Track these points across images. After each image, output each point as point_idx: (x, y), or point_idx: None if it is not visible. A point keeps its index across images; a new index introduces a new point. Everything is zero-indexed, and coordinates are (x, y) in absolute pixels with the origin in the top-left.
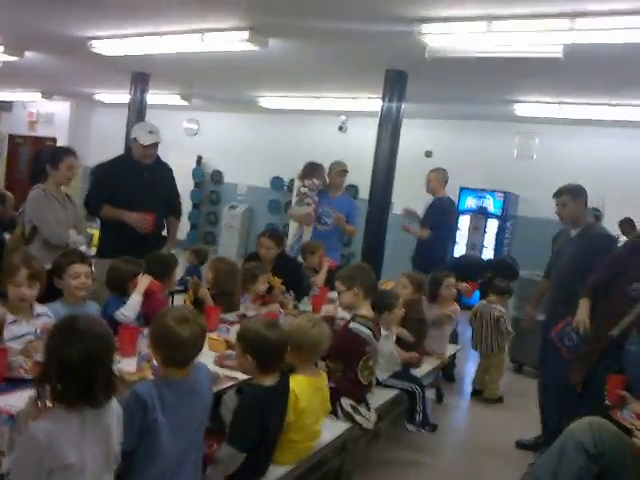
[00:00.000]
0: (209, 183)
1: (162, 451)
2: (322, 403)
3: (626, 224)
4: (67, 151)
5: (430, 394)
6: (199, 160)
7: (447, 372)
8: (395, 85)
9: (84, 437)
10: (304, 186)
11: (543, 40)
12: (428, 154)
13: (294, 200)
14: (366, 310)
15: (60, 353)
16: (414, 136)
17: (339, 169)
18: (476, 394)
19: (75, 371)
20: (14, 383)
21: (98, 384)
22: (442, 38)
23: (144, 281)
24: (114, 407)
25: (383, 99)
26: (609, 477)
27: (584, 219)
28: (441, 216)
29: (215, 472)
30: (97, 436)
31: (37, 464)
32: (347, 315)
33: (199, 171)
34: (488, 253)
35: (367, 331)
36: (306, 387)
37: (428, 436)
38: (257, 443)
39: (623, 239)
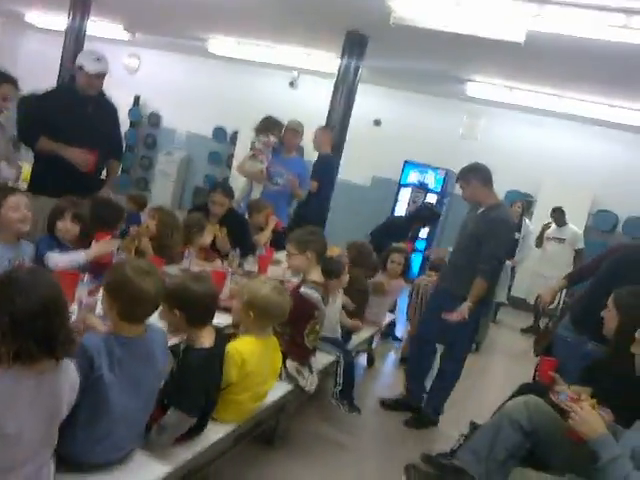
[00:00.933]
0: (146, 125)
1: (108, 409)
2: (272, 365)
3: (557, 213)
4: (6, 78)
5: (363, 360)
6: (137, 100)
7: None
8: (354, 48)
9: (32, 405)
10: (259, 141)
11: (508, 23)
12: (377, 122)
13: (236, 152)
14: (316, 275)
15: (11, 307)
16: (365, 102)
17: (292, 128)
18: (402, 361)
19: (33, 322)
20: None
21: (58, 335)
22: (410, 7)
23: (102, 247)
24: (70, 372)
25: (342, 59)
26: (539, 452)
27: (486, 199)
28: (327, 172)
29: (160, 437)
30: (46, 403)
31: None
32: (294, 279)
33: (136, 112)
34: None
35: (317, 295)
36: (255, 349)
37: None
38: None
39: (553, 228)
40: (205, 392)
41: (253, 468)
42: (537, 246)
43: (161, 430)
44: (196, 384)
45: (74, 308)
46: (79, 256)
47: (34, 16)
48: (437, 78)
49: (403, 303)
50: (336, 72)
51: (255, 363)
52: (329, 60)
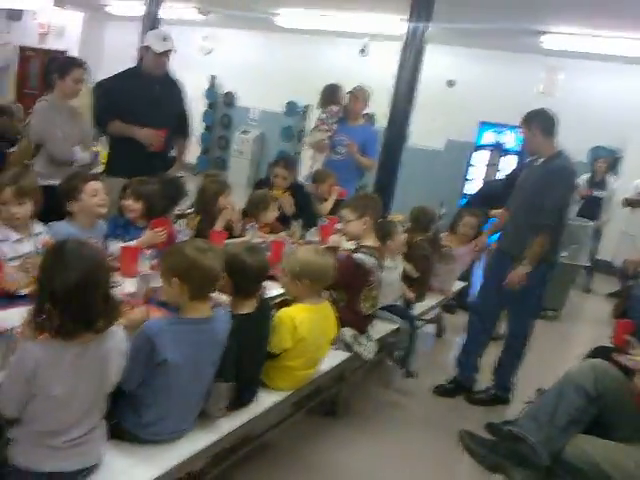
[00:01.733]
0: (221, 106)
1: (171, 393)
2: (325, 331)
3: None
4: (76, 62)
5: (431, 329)
6: (212, 80)
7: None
8: (422, 7)
9: (78, 371)
10: (323, 112)
11: None
12: (451, 83)
13: (308, 126)
14: (371, 241)
15: (52, 282)
16: (437, 63)
17: (354, 95)
18: None
19: (69, 298)
20: (9, 299)
21: (95, 309)
22: None
23: (152, 238)
24: (117, 339)
25: (410, 19)
26: (605, 419)
27: (546, 149)
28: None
29: (212, 407)
30: (92, 369)
31: (23, 385)
32: (351, 246)
33: (212, 92)
34: None
35: (372, 261)
36: (307, 315)
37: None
38: (238, 372)
39: None
40: (240, 357)
41: (315, 438)
42: (624, 205)
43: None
44: (226, 349)
45: (136, 281)
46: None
47: (114, 6)
48: (511, 32)
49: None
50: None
51: (308, 329)
52: (397, 23)
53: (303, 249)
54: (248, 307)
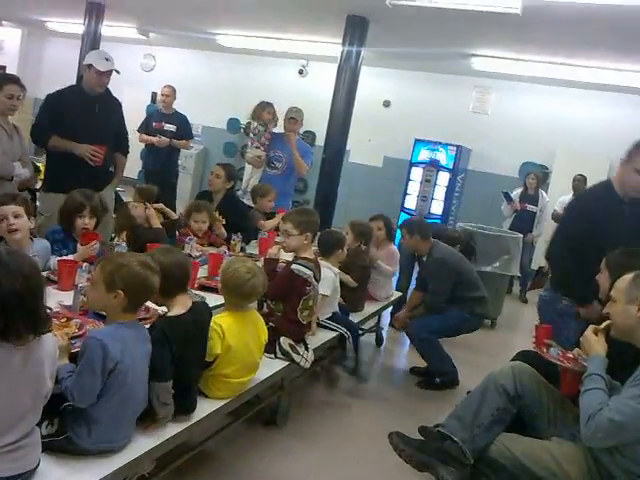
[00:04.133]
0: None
1: (125, 397)
2: (255, 338)
3: (579, 181)
4: (8, 78)
5: (371, 338)
6: (154, 96)
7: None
8: (355, 31)
9: (20, 375)
10: (250, 132)
11: None
12: (386, 104)
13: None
14: (309, 254)
15: None
16: (373, 85)
17: (289, 117)
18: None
19: (20, 302)
20: None
21: (40, 313)
22: None
23: (86, 252)
24: (51, 344)
25: (343, 44)
26: (525, 417)
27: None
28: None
29: (157, 408)
30: (32, 373)
31: None
32: (288, 257)
33: (153, 108)
34: (438, 205)
35: (309, 272)
36: (233, 323)
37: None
38: (175, 375)
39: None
40: (179, 356)
41: (255, 448)
42: (554, 219)
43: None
44: (161, 349)
45: (73, 294)
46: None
47: (55, 24)
48: (442, 55)
49: None
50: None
51: (235, 336)
52: (335, 46)
53: (238, 264)
54: (177, 308)
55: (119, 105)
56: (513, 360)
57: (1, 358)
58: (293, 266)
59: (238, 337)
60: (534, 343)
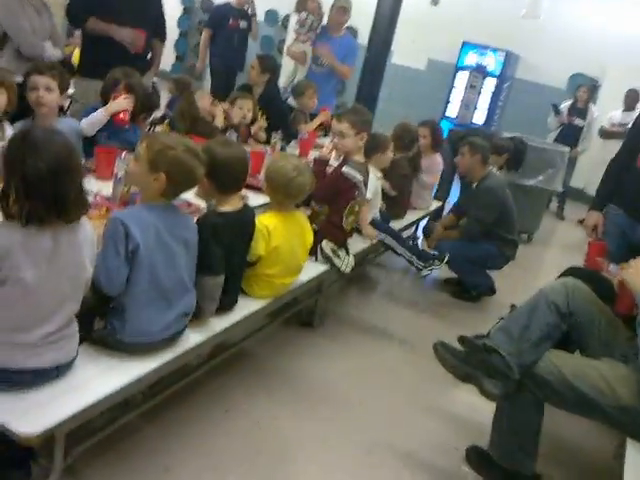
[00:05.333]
0: (198, 11)
1: (152, 282)
2: (300, 239)
3: (631, 94)
4: None
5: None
6: None
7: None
8: None
9: (51, 259)
10: (296, 21)
11: None
12: (435, 2)
13: (288, 36)
14: (360, 157)
15: (22, 167)
16: None
17: (339, 5)
18: None
19: (42, 184)
20: None
21: (69, 197)
22: None
23: (119, 104)
24: (88, 229)
25: None
26: (575, 336)
27: None
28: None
29: (203, 303)
30: (65, 259)
31: None
32: (338, 160)
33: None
34: (481, 114)
35: (359, 176)
36: (279, 223)
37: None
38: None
39: (618, 112)
40: (226, 253)
41: (291, 346)
42: (601, 136)
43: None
44: (210, 243)
45: (112, 183)
46: (99, 114)
47: None
48: None
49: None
50: None
51: (281, 236)
52: None
53: (284, 162)
54: (231, 205)
55: None
56: (562, 276)
57: (28, 243)
58: (344, 169)
59: (284, 238)
60: (585, 260)
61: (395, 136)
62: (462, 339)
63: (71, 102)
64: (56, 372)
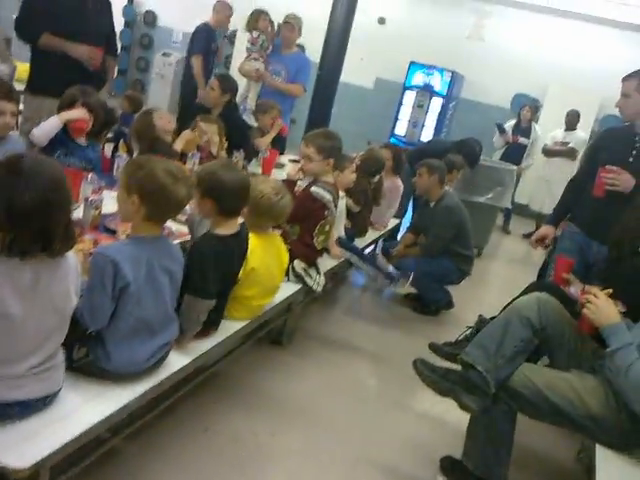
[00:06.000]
0: (141, 25)
1: (139, 316)
2: (278, 260)
3: (572, 116)
4: None
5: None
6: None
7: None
8: None
9: (35, 292)
10: (248, 40)
11: None
12: (381, 21)
13: (235, 53)
14: (330, 177)
15: (9, 198)
16: None
17: (289, 22)
18: None
19: (29, 216)
20: None
21: (56, 231)
22: None
23: (73, 113)
24: (72, 262)
25: None
26: (545, 347)
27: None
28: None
29: (187, 325)
30: (51, 292)
31: None
32: (304, 181)
33: (130, 10)
34: (428, 132)
35: (328, 196)
36: (257, 246)
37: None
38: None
39: (560, 132)
40: (220, 278)
41: (262, 366)
42: (545, 154)
43: (183, 318)
44: (210, 268)
45: (78, 206)
46: (52, 120)
47: None
48: None
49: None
50: None
51: (258, 258)
52: None
53: (264, 184)
54: (230, 228)
55: (109, 3)
56: (527, 291)
57: (8, 274)
58: (313, 188)
59: (261, 260)
60: (553, 276)
61: (362, 161)
62: (434, 347)
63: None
64: (43, 403)
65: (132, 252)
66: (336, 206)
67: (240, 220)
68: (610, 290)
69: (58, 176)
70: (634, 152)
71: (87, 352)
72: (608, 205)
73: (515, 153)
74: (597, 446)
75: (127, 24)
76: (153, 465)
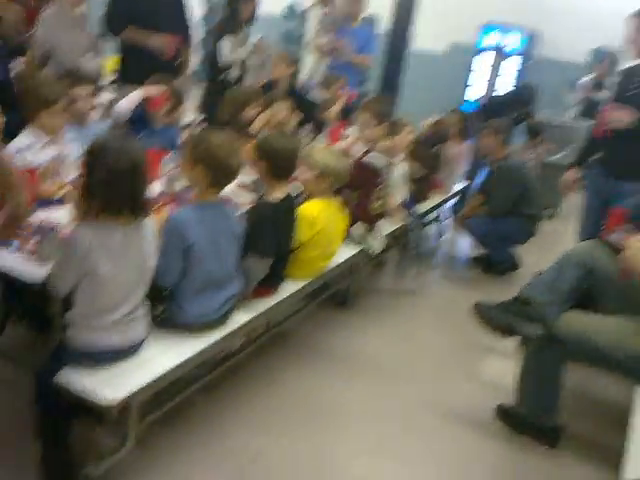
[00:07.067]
0: (221, 10)
1: (203, 272)
2: (337, 225)
3: None
4: None
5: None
6: None
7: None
8: None
9: (123, 250)
10: (320, 14)
11: None
12: None
13: (307, 30)
14: (387, 143)
15: (103, 166)
16: None
17: None
18: None
19: (122, 181)
20: (47, 203)
21: (141, 195)
22: None
23: (153, 88)
24: (150, 225)
25: None
26: (596, 292)
27: None
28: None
29: (247, 282)
30: (135, 249)
31: (76, 265)
32: (363, 149)
33: None
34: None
35: (382, 162)
36: (322, 209)
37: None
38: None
39: None
40: (276, 237)
41: (328, 327)
42: None
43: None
44: (267, 228)
45: (162, 182)
46: (135, 93)
47: None
48: None
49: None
50: None
51: (323, 221)
52: None
53: (324, 151)
54: (280, 192)
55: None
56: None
57: (103, 240)
58: (364, 158)
59: (325, 223)
60: (606, 227)
61: (430, 130)
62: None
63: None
64: (130, 350)
65: (197, 216)
66: (392, 171)
67: (289, 189)
68: None
69: (140, 150)
70: (632, 86)
71: (164, 310)
72: (617, 142)
73: (592, 109)
74: (638, 387)
75: (210, 9)
76: (227, 414)
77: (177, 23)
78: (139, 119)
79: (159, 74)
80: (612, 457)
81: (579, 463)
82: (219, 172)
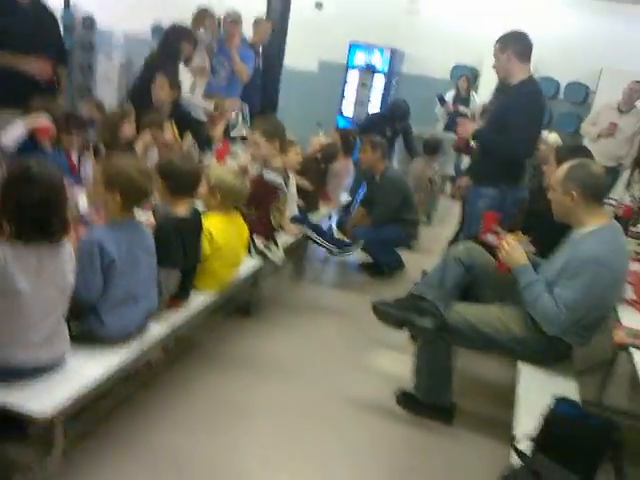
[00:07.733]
0: (80, 30)
1: (122, 288)
2: (239, 236)
3: None
4: None
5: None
6: (67, 1)
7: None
8: None
9: (39, 271)
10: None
11: None
12: (318, 6)
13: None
14: (279, 162)
15: (18, 196)
16: None
17: (232, 20)
18: None
19: (32, 212)
20: None
21: (52, 222)
22: None
23: (38, 120)
24: (68, 248)
25: None
26: (475, 286)
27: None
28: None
29: (161, 294)
30: (52, 271)
31: None
32: (258, 167)
33: (69, 14)
34: (374, 110)
35: (279, 179)
36: (220, 224)
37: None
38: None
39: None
40: (183, 251)
41: (234, 335)
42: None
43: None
44: (172, 242)
45: None
46: (19, 126)
47: None
48: None
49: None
50: None
51: (223, 236)
52: None
53: (226, 170)
54: (181, 210)
55: (52, 12)
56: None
57: (18, 258)
58: (264, 175)
59: (225, 237)
60: (482, 230)
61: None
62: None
63: None
64: (56, 364)
65: (113, 234)
66: (287, 185)
67: (192, 205)
68: (518, 235)
69: (57, 180)
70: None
71: (85, 324)
72: (477, 151)
73: (457, 122)
74: (519, 363)
75: (66, 29)
76: (148, 420)
77: (51, 43)
78: (26, 144)
79: (39, 99)
80: (501, 428)
81: (473, 436)
82: (132, 194)
